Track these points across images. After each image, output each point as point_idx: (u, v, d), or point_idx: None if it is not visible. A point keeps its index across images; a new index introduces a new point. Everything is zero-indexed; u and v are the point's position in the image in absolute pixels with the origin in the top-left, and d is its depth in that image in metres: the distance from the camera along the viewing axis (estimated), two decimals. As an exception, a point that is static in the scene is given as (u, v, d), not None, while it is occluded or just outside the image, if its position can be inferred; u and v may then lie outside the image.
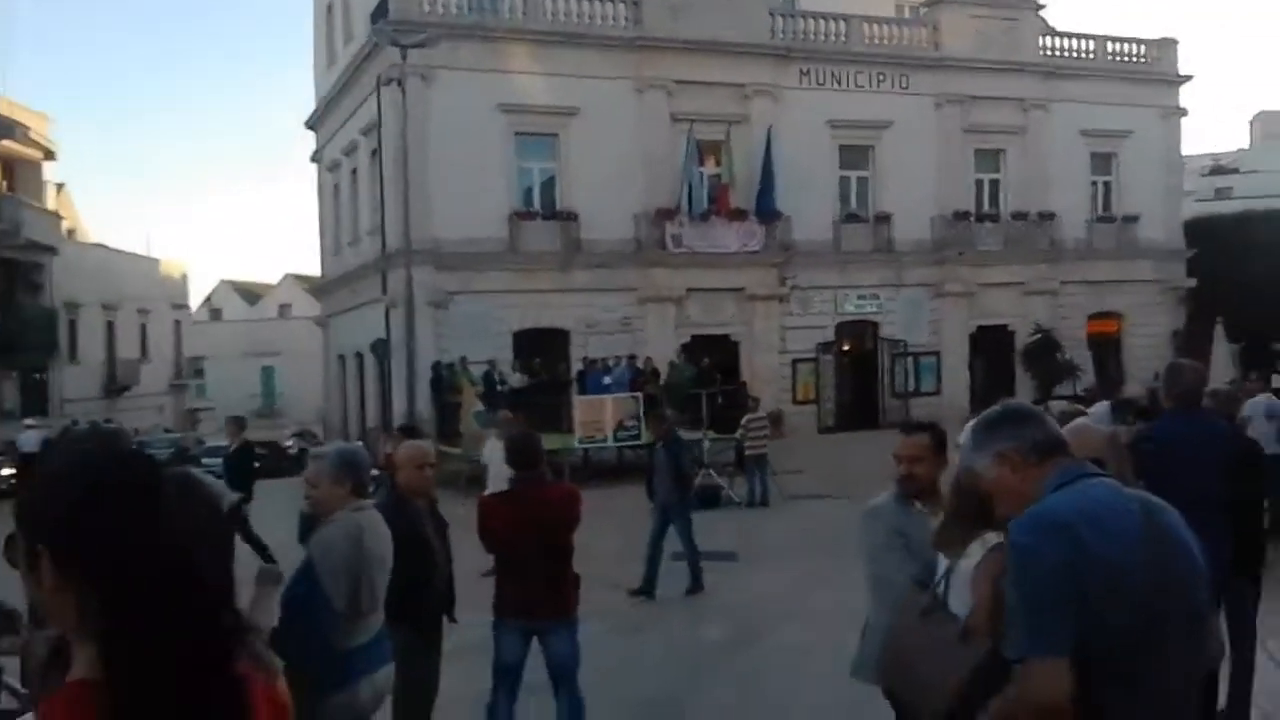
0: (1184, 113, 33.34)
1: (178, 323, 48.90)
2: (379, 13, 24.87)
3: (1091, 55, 32.16)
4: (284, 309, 63.42)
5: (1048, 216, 30.53)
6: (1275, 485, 6.81)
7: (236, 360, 56.21)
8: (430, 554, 5.18)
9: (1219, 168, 55.89)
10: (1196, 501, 2.99)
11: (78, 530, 1.40)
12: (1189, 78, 33.27)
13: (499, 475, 8.13)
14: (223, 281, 69.35)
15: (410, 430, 12.90)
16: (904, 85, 29.33)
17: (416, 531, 5.01)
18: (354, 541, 4.04)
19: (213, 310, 66.21)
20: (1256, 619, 5.51)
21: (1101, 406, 11.29)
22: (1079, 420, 3.96)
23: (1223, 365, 21.39)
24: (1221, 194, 48.81)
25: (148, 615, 1.39)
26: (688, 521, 10.94)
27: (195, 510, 1.49)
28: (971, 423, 2.82)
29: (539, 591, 5.46)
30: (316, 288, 36.20)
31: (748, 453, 17.37)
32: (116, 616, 1.39)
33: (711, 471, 17.52)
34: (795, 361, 27.90)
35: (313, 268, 38.12)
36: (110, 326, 40.83)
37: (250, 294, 68.60)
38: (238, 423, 13.44)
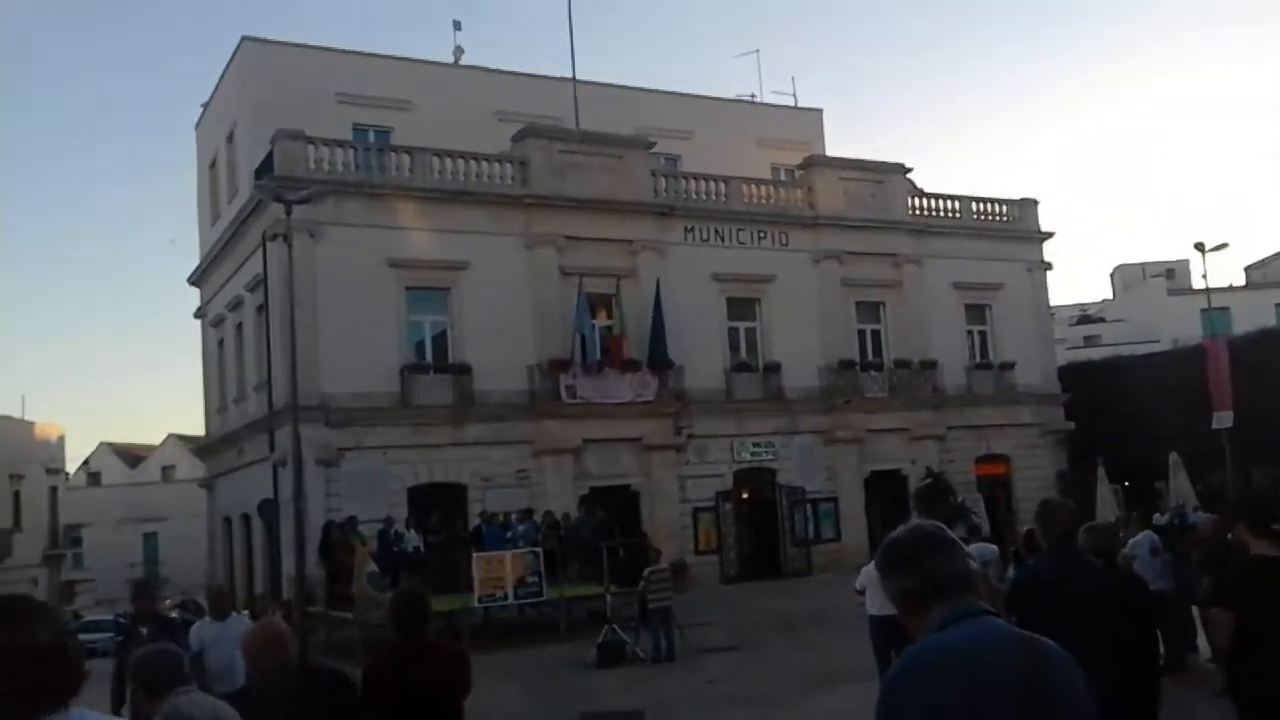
0: (1049, 266, 35.31)
1: (54, 489, 46.64)
2: (263, 169, 24.90)
3: (958, 214, 34.05)
4: (167, 471, 61.12)
5: (929, 365, 31.71)
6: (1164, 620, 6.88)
7: (116, 527, 53.65)
8: None
9: (1086, 317, 59.07)
10: (1080, 642, 2.98)
11: None
12: (1051, 234, 35.42)
13: None
14: (102, 443, 66.71)
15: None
16: (784, 242, 30.54)
17: None
18: None
19: (90, 474, 63.41)
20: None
21: (986, 549, 11.39)
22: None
23: (1107, 505, 22.10)
24: (1090, 341, 51.52)
25: None
26: None
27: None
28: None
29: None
30: (201, 448, 34.93)
31: (651, 606, 16.80)
32: None
33: (615, 628, 16.99)
34: (696, 510, 27.85)
35: (197, 427, 36.98)
36: (-21, 495, 38.68)
37: (131, 456, 65.97)
38: None
